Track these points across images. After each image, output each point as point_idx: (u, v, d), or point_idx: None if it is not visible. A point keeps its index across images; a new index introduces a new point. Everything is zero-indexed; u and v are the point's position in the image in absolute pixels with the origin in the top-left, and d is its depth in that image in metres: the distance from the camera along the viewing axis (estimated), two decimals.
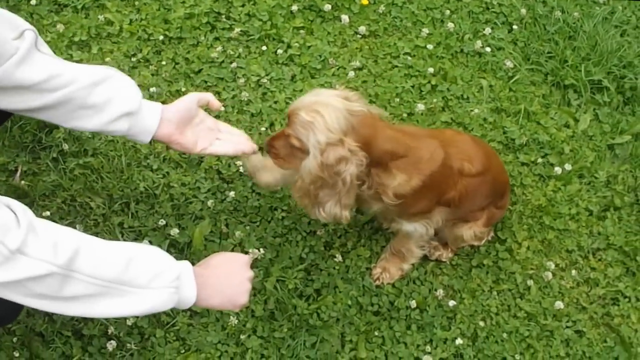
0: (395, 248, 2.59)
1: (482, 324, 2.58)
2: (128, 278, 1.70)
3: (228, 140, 2.20)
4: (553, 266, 2.71)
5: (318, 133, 2.09)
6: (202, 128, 2.15)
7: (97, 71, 1.97)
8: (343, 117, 2.11)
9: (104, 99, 1.96)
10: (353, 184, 2.17)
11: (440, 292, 2.60)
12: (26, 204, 2.54)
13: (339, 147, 2.10)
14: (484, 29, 3.29)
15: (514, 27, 3.31)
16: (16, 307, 1.92)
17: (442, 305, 2.59)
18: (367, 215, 2.66)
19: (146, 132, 2.05)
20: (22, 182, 2.67)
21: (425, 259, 2.67)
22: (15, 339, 2.37)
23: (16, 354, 2.35)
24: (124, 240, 2.57)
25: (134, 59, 3.04)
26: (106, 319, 2.40)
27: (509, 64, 3.19)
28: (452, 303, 2.59)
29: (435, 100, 3.06)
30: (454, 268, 2.69)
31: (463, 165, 2.36)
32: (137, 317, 2.41)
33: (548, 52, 3.23)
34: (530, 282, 2.67)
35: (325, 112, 2.09)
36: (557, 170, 2.91)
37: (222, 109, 2.33)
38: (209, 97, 2.17)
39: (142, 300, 1.72)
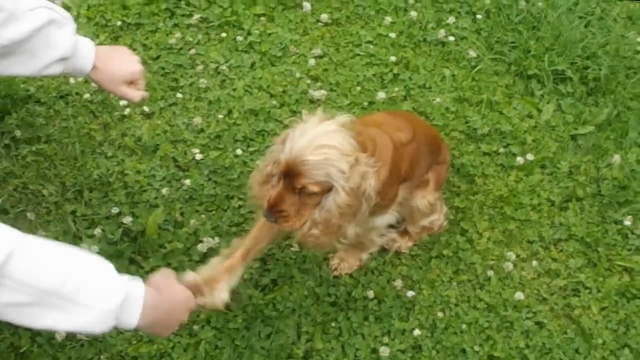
0: (358, 240, 2.54)
1: (440, 315, 2.54)
2: (66, 292, 1.57)
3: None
4: (514, 257, 2.67)
5: (338, 163, 1.99)
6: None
7: (34, 18, 1.94)
8: (346, 136, 2.02)
9: (39, 46, 1.95)
10: (374, 197, 2.10)
11: (398, 283, 2.56)
12: None
13: (357, 166, 2.02)
14: (447, 18, 3.26)
15: (478, 16, 3.28)
16: None
17: (400, 296, 2.55)
18: None
19: (79, 74, 2.15)
20: None
21: (384, 249, 2.63)
22: None
23: None
24: (76, 228, 2.52)
25: None
26: None
27: (472, 53, 3.16)
28: (410, 294, 2.55)
29: (397, 89, 3.02)
30: (413, 258, 2.65)
31: (399, 136, 2.31)
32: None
33: (512, 42, 3.20)
34: (490, 273, 2.63)
35: (333, 140, 1.99)
36: (519, 160, 2.88)
37: (145, 99, 2.29)
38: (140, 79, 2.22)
39: (77, 318, 1.60)
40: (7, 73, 2.03)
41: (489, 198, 2.80)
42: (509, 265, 2.65)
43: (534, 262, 2.68)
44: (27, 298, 1.53)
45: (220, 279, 2.12)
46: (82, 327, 1.61)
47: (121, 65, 2.15)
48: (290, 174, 2.01)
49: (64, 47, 2.02)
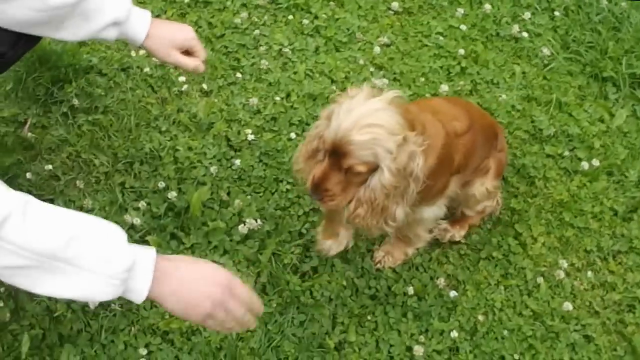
0: (402, 233, 2.47)
1: (482, 318, 2.44)
2: (67, 256, 1.50)
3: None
4: (567, 265, 2.56)
5: (385, 144, 1.91)
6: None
7: None
8: (393, 113, 1.94)
9: (93, 8, 1.97)
10: (421, 177, 2.02)
11: (441, 281, 2.47)
12: (31, 157, 2.59)
13: (405, 145, 1.94)
14: (523, 13, 3.15)
15: (556, 13, 3.15)
16: None
17: (442, 295, 2.47)
18: None
19: (133, 41, 2.12)
20: (30, 134, 2.64)
21: (432, 244, 2.55)
22: (2, 289, 2.34)
23: (1, 304, 2.32)
24: (123, 200, 2.53)
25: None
26: None
27: (546, 51, 3.04)
28: (453, 294, 2.46)
29: (462, 82, 2.93)
30: (461, 257, 2.56)
31: (454, 125, 2.22)
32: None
33: (589, 42, 3.07)
34: (540, 280, 2.52)
35: (381, 119, 1.92)
36: (584, 165, 2.75)
37: (201, 70, 2.25)
38: (196, 47, 2.19)
39: (78, 284, 1.52)
40: (65, 37, 2.03)
41: (548, 202, 2.69)
42: (561, 274, 2.53)
43: (589, 273, 2.56)
44: (25, 261, 1.47)
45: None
46: (85, 293, 1.54)
47: (174, 31, 2.15)
48: (336, 153, 1.95)
49: (117, 10, 2.03)
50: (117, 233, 1.57)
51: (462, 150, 2.25)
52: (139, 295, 1.58)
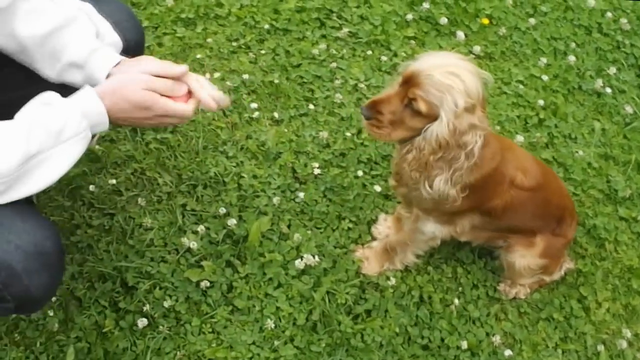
0: (391, 246, 2.43)
1: None
2: (36, 150, 1.65)
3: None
4: (631, 335, 2.45)
5: (458, 96, 1.88)
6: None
7: (60, 15, 1.88)
8: (480, 83, 1.92)
9: (57, 47, 1.89)
10: (475, 159, 1.98)
11: (497, 339, 2.39)
12: (97, 169, 2.60)
13: (472, 115, 1.92)
14: (608, 68, 3.05)
15: None
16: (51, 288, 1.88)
17: (496, 352, 2.38)
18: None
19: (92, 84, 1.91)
20: (98, 146, 2.65)
21: (492, 298, 2.48)
22: (54, 299, 2.34)
23: (50, 313, 2.31)
24: (183, 222, 2.51)
25: (235, 44, 2.98)
26: (144, 297, 2.35)
27: (629, 109, 2.94)
28: (508, 353, 2.38)
29: (539, 134, 2.84)
30: (520, 316, 2.48)
31: (516, 174, 2.17)
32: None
33: None
34: (601, 348, 2.42)
35: (465, 76, 1.89)
36: None
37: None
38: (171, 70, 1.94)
39: (60, 159, 1.70)
40: (44, 73, 1.95)
41: (616, 267, 2.59)
42: (624, 343, 2.43)
43: None
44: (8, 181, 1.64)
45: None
46: (72, 162, 1.72)
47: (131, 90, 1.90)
48: (409, 83, 1.93)
49: (79, 50, 1.88)
50: (51, 99, 1.72)
51: (505, 199, 2.20)
52: (100, 119, 1.75)
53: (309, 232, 2.54)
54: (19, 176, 1.65)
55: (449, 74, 1.89)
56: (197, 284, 2.37)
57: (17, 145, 1.63)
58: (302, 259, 2.45)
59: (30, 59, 1.91)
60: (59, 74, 1.90)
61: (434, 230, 2.28)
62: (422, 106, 1.92)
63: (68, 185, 2.52)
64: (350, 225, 2.57)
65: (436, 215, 2.24)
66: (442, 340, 2.39)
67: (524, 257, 2.36)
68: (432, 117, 1.93)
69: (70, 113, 1.70)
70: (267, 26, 3.03)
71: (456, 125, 1.90)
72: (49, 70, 1.91)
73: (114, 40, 1.95)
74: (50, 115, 1.69)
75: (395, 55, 3.00)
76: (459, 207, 2.15)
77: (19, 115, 1.69)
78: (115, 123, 1.80)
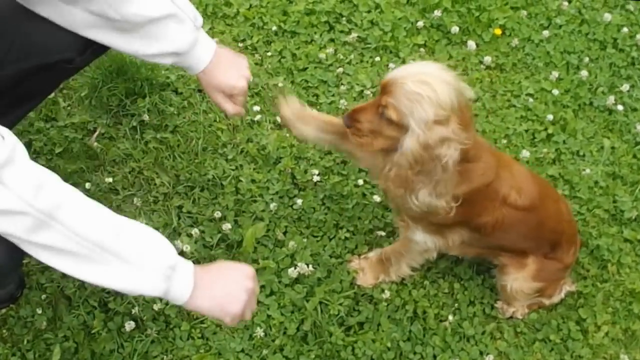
0: (386, 256, 2.39)
1: None
2: (116, 248, 1.58)
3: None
4: None
5: (427, 107, 1.86)
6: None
7: (153, 8, 1.92)
8: (454, 94, 1.89)
9: (155, 35, 1.94)
10: (452, 170, 1.96)
11: (491, 358, 2.33)
12: (94, 167, 2.57)
13: (444, 127, 1.88)
14: (621, 85, 2.99)
15: None
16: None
17: None
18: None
19: (189, 71, 2.09)
20: (96, 144, 2.62)
21: (488, 316, 2.43)
22: (44, 296, 2.32)
23: (39, 311, 2.29)
24: (178, 224, 2.48)
25: (241, 44, 2.94)
26: (133, 297, 2.32)
27: None
28: None
29: (546, 150, 2.78)
30: (516, 335, 2.42)
31: (510, 193, 2.12)
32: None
33: None
34: None
35: (437, 86, 1.86)
36: None
37: (241, 114, 2.21)
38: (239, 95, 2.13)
39: (125, 276, 1.60)
40: (124, 49, 2.02)
41: (618, 289, 2.52)
42: None
43: None
44: (75, 247, 1.55)
45: (312, 119, 2.26)
46: (127, 285, 1.62)
47: (225, 76, 2.08)
48: (384, 91, 1.93)
49: (179, 43, 1.98)
50: (162, 237, 1.67)
51: (496, 217, 2.16)
52: (182, 295, 1.67)
53: (305, 240, 2.50)
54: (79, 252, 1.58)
55: (420, 83, 1.87)
56: None
57: (105, 230, 1.59)
58: (295, 268, 2.41)
59: (116, 37, 1.96)
60: (150, 57, 2.01)
61: (424, 240, 2.24)
62: (392, 114, 1.91)
63: (65, 182, 2.49)
64: (348, 235, 2.52)
65: (424, 225, 2.20)
66: (435, 357, 2.34)
67: (516, 280, 2.31)
68: (405, 126, 1.91)
69: (169, 256, 1.66)
70: (274, 28, 2.99)
71: (427, 137, 1.88)
72: (136, 49, 1.99)
73: (194, 14, 2.00)
74: (148, 240, 1.65)
75: (404, 62, 2.95)
76: (447, 220, 2.11)
77: (125, 218, 1.66)
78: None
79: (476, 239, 2.23)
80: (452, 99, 1.88)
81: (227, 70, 2.07)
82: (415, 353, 2.34)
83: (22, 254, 1.61)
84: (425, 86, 1.87)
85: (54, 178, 1.58)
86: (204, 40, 2.03)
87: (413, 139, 1.90)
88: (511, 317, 2.43)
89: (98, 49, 2.06)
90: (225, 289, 1.72)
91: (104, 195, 2.51)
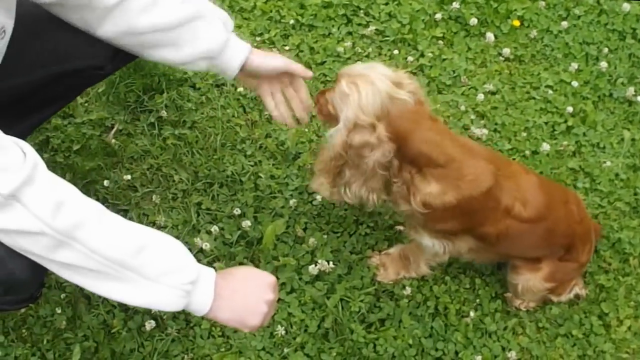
0: (405, 254, 2.38)
1: None
2: (137, 266, 1.57)
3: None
4: None
5: (350, 109, 1.93)
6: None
7: (180, 11, 1.91)
8: (380, 100, 1.91)
9: (185, 39, 1.93)
10: (376, 170, 2.00)
11: (513, 354, 2.32)
12: (112, 164, 2.56)
13: (367, 132, 1.93)
14: None
15: None
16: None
17: None
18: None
19: (226, 75, 2.05)
20: (114, 140, 2.61)
21: (511, 312, 2.41)
22: (63, 295, 2.32)
23: (58, 310, 2.29)
24: (197, 221, 2.47)
25: (259, 39, 2.92)
26: None
27: None
28: None
29: (566, 142, 2.76)
30: (538, 331, 2.41)
31: (514, 204, 2.10)
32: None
33: None
34: None
35: (363, 90, 1.91)
36: None
37: (309, 75, 2.13)
38: (298, 69, 2.09)
39: (145, 292, 1.59)
40: (155, 58, 2.01)
41: None
42: None
43: None
44: (95, 265, 1.54)
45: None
46: (149, 301, 1.60)
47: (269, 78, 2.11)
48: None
49: (210, 44, 1.95)
50: (183, 248, 1.66)
51: (500, 229, 2.13)
52: (202, 308, 1.65)
53: (325, 236, 2.49)
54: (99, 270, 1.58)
55: (351, 84, 1.92)
56: None
57: (130, 242, 1.58)
58: (316, 265, 2.40)
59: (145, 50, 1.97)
60: (183, 63, 1.99)
61: (432, 244, 2.21)
62: (330, 108, 2.02)
63: (83, 180, 2.49)
64: (368, 231, 2.51)
65: (427, 232, 2.19)
66: (457, 353, 2.33)
67: (528, 281, 2.30)
68: (338, 120, 2.00)
69: (190, 271, 1.63)
70: (292, 21, 2.97)
71: (349, 138, 1.95)
72: (169, 56, 1.98)
73: (223, 15, 2.01)
74: (169, 255, 1.64)
75: (422, 55, 2.93)
76: (451, 228, 2.12)
77: (149, 229, 1.65)
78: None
79: (483, 248, 2.22)
80: (375, 106, 1.91)
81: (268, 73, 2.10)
82: (437, 349, 2.33)
83: (44, 269, 1.61)
84: (354, 87, 1.92)
85: (75, 194, 1.57)
86: (235, 42, 2.00)
87: (337, 135, 1.99)
88: (516, 308, 2.42)
89: (127, 56, 2.04)
90: (245, 300, 1.70)
91: (123, 193, 2.50)
